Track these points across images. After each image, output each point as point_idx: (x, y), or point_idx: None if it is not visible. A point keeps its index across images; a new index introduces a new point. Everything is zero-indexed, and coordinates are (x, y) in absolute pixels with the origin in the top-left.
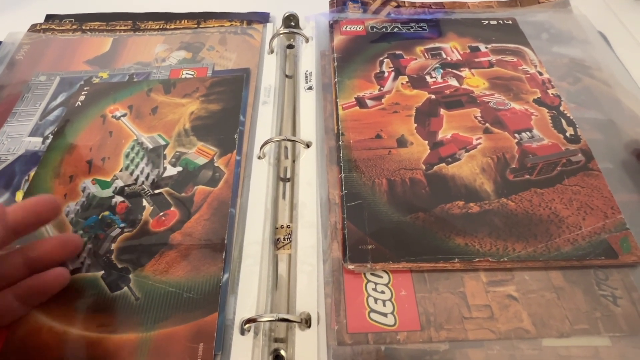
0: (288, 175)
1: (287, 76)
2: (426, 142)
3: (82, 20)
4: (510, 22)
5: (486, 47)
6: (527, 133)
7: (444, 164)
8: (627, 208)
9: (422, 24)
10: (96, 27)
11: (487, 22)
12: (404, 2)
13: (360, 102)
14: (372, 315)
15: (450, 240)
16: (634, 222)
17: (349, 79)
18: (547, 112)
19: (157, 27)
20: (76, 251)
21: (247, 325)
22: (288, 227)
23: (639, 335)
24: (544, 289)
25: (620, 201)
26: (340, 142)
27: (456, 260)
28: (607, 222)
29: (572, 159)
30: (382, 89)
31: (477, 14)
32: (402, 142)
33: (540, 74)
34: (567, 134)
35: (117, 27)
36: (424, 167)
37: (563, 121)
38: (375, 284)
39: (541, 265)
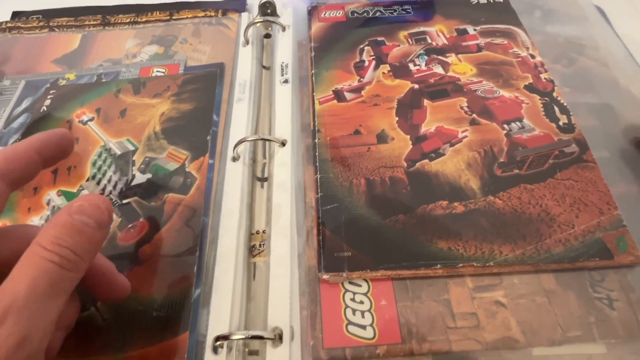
0: (265, 175)
1: (264, 67)
2: (408, 136)
3: (49, 17)
4: (501, 0)
5: (474, 30)
6: (517, 123)
7: (426, 160)
8: (624, 201)
9: (406, 7)
10: (64, 23)
11: (476, 1)
12: None
13: (338, 95)
14: (350, 327)
15: (432, 245)
16: (632, 217)
17: (326, 70)
18: (539, 99)
19: (128, 20)
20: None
21: (218, 343)
22: (264, 232)
23: (636, 340)
24: (534, 293)
25: (617, 193)
26: (316, 140)
27: (438, 266)
28: (603, 219)
29: (565, 150)
30: (361, 79)
31: None
32: (382, 138)
33: (533, 57)
34: (560, 123)
35: (86, 22)
36: (405, 165)
37: (556, 108)
38: (354, 293)
39: (530, 269)
